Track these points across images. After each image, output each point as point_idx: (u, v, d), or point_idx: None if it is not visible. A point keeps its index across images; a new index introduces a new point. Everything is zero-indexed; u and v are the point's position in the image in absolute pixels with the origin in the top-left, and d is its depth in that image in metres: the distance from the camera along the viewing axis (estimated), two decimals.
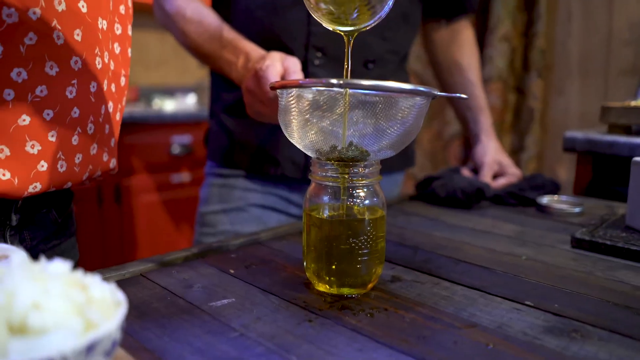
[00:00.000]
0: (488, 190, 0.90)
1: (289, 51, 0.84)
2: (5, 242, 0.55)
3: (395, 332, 0.45)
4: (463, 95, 0.49)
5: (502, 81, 1.77)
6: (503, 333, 0.45)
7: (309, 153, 0.52)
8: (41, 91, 0.50)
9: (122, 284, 0.55)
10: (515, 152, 1.82)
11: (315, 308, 0.49)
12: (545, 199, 0.89)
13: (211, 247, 0.66)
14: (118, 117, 0.64)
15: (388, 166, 0.99)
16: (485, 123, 1.02)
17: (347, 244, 0.51)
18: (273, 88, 0.50)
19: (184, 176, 2.02)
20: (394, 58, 0.94)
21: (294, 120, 0.50)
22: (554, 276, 0.58)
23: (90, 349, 0.27)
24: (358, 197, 0.51)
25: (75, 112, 0.54)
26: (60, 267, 0.31)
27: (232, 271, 0.59)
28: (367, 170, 0.51)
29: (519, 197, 0.90)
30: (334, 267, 0.51)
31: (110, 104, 0.60)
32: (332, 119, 0.50)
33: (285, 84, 0.48)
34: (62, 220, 0.65)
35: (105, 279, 0.56)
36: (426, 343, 0.43)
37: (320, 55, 0.86)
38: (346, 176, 0.50)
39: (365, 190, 0.52)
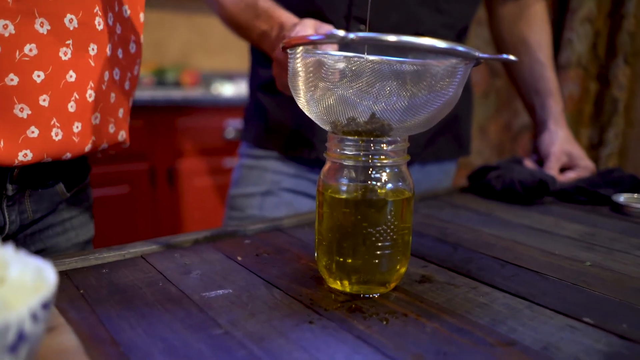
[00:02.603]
0: (553, 184, 0.78)
1: (328, 22, 0.76)
2: (2, 212, 0.52)
3: (410, 344, 0.36)
4: (512, 57, 0.39)
5: (582, 68, 1.59)
6: (549, 357, 0.35)
7: (323, 125, 0.45)
8: (30, 50, 0.46)
9: (117, 265, 0.50)
10: (594, 148, 1.64)
11: (320, 308, 0.42)
12: (622, 197, 0.76)
13: (225, 232, 0.60)
14: (127, 86, 0.59)
15: (437, 153, 0.89)
16: (554, 109, 0.89)
17: (364, 234, 0.42)
18: (284, 48, 0.43)
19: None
20: (449, 33, 0.83)
21: (302, 87, 0.42)
22: (624, 288, 0.47)
23: None
24: (380, 179, 0.43)
25: (72, 76, 0.49)
26: None
27: (239, 258, 0.52)
28: (390, 147, 0.42)
29: (590, 194, 0.77)
30: (348, 260, 0.44)
31: (117, 71, 0.56)
32: (351, 87, 0.42)
33: (293, 42, 0.41)
34: (73, 194, 0.62)
35: (103, 258, 0.51)
36: None
37: (362, 27, 0.77)
38: (366, 153, 0.42)
39: (388, 171, 0.43)
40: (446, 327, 0.39)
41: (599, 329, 0.40)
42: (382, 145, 0.42)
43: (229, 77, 2.43)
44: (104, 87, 0.54)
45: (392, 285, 0.45)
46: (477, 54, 0.39)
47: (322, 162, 0.82)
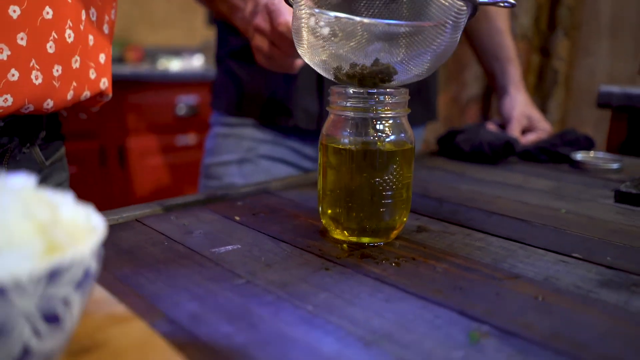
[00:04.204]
0: (517, 145, 0.82)
1: None
2: None
3: (426, 282, 0.39)
4: (510, 0, 0.42)
5: (527, 40, 1.67)
6: (552, 285, 0.38)
7: (324, 73, 0.45)
8: None
9: (114, 229, 0.49)
10: None
11: (332, 256, 0.43)
12: (579, 155, 0.81)
13: (215, 195, 0.60)
14: (107, 30, 0.57)
15: (409, 119, 0.91)
16: (514, 74, 0.94)
17: (371, 183, 0.44)
18: None
19: (190, 138, 1.95)
20: None
21: (306, 37, 0.43)
22: (601, 229, 0.52)
23: (53, 275, 0.21)
24: (383, 131, 0.45)
25: (48, 13, 0.47)
26: (22, 181, 0.25)
27: (237, 218, 0.52)
28: (393, 99, 0.44)
29: (551, 153, 0.83)
30: (353, 211, 0.45)
31: (93, 11, 0.54)
32: (351, 44, 0.43)
33: None
34: (51, 164, 0.59)
35: None
36: (464, 294, 0.37)
37: None
38: (369, 105, 0.43)
39: (391, 122, 0.45)
40: (454, 267, 0.42)
41: (587, 262, 0.43)
42: (385, 97, 0.44)
43: (176, 52, 2.36)
44: (81, 27, 0.52)
45: (396, 233, 0.47)
46: None
47: (299, 130, 0.83)
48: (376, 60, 0.43)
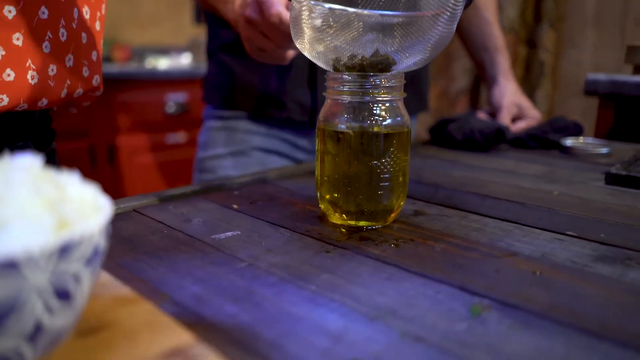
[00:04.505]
0: (508, 132, 0.84)
1: None
2: None
3: (426, 261, 0.39)
4: None
5: (514, 33, 1.69)
6: (549, 261, 0.39)
7: (324, 65, 0.46)
8: None
9: (112, 219, 0.49)
10: None
11: (332, 239, 0.44)
12: (569, 141, 0.83)
13: (212, 185, 0.60)
14: (98, 26, 0.57)
15: None
16: (503, 64, 0.95)
17: (369, 166, 0.44)
18: None
19: (180, 136, 1.94)
20: None
21: (304, 29, 0.43)
22: (593, 209, 0.53)
23: (64, 250, 0.21)
24: (379, 115, 0.45)
25: (44, 13, 0.47)
26: (29, 161, 0.25)
27: (235, 206, 0.53)
28: (389, 83, 0.44)
29: (541, 140, 0.84)
30: (351, 194, 0.45)
31: (86, 9, 0.54)
32: (347, 35, 0.43)
33: None
34: (43, 159, 0.59)
35: None
36: (464, 272, 0.37)
37: None
38: (366, 89, 0.44)
39: (387, 106, 0.45)
40: (453, 246, 0.42)
41: (582, 239, 0.44)
42: (381, 81, 0.44)
43: (163, 51, 2.35)
44: (74, 26, 0.52)
45: (393, 216, 0.48)
46: None
47: (292, 122, 0.83)
48: (376, 51, 0.43)
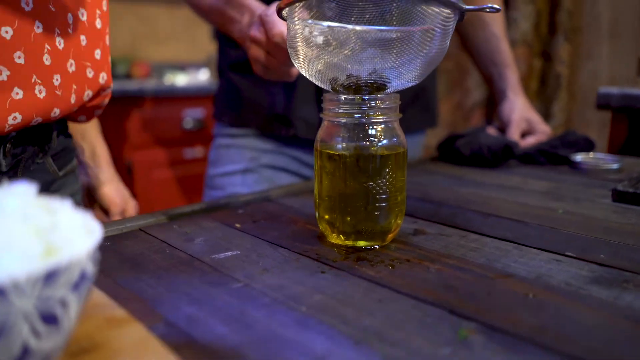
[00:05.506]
0: (516, 148, 0.83)
1: None
2: None
3: (419, 282, 0.39)
4: (496, 6, 0.43)
5: (527, 46, 1.68)
6: (543, 283, 0.39)
7: (321, 84, 0.47)
8: None
9: (118, 237, 0.50)
10: None
11: (328, 260, 0.44)
12: (579, 157, 0.82)
13: (218, 204, 0.61)
14: (99, 24, 0.57)
15: (407, 124, 0.92)
16: (511, 78, 0.95)
17: (365, 187, 0.45)
18: (280, 9, 0.45)
19: (197, 151, 1.97)
20: None
21: (301, 49, 0.44)
22: (596, 228, 0.52)
23: (50, 277, 0.22)
24: (375, 136, 0.46)
25: (39, 27, 0.49)
26: (23, 188, 0.26)
27: (238, 225, 0.54)
28: (385, 104, 0.45)
29: (551, 155, 0.84)
30: (348, 215, 0.46)
31: (82, 11, 0.54)
32: (345, 52, 0.44)
33: (290, 1, 0.42)
34: (64, 175, 0.61)
35: (103, 232, 0.51)
36: (456, 294, 0.37)
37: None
38: (362, 110, 0.44)
39: (383, 126, 0.46)
40: (448, 267, 0.42)
41: (580, 260, 0.44)
42: (376, 102, 0.45)
43: (181, 67, 2.39)
44: (70, 31, 0.53)
45: (391, 236, 0.48)
46: (463, 5, 0.43)
47: (299, 139, 0.84)
48: (372, 71, 0.44)
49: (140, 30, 2.39)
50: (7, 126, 0.47)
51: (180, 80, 2.14)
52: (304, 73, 0.47)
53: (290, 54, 0.47)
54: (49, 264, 0.22)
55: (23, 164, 0.55)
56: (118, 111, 1.76)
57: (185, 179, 1.95)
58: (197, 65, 2.40)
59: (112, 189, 0.81)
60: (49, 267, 0.22)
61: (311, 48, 0.44)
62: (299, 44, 0.44)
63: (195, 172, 1.96)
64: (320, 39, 0.44)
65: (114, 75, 2.12)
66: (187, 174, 1.96)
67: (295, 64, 0.47)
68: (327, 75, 0.45)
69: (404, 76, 0.46)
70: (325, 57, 0.44)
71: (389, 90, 0.46)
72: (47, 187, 0.59)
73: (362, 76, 0.44)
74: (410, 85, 0.47)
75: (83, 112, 0.61)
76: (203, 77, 2.27)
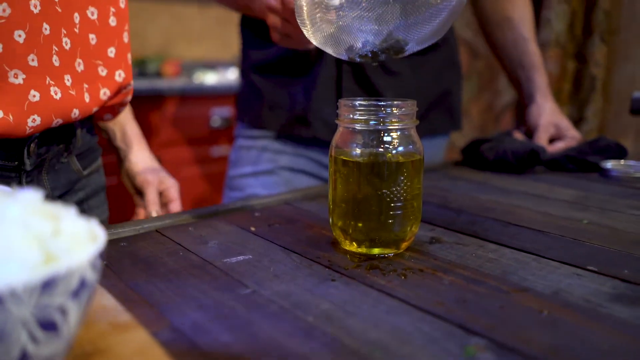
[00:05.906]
0: (543, 153, 0.81)
1: None
2: (21, 187, 0.52)
3: (430, 294, 0.38)
4: None
5: (560, 47, 1.63)
6: (561, 299, 0.38)
7: (337, 54, 0.46)
8: (3, 10, 0.45)
9: (134, 238, 0.51)
10: (574, 125, 1.69)
11: (340, 267, 0.44)
12: (609, 164, 0.79)
13: (235, 206, 0.61)
14: (114, 22, 0.57)
15: (430, 127, 0.91)
16: (540, 82, 0.92)
17: (378, 195, 0.44)
18: None
19: (224, 149, 1.99)
20: None
21: (315, 14, 0.44)
22: (622, 241, 0.50)
23: (47, 285, 0.22)
24: (391, 142, 0.45)
25: (47, 29, 0.49)
26: (29, 195, 0.27)
27: (252, 229, 0.54)
28: (401, 111, 0.44)
29: (580, 162, 0.81)
30: (362, 222, 0.45)
31: (92, 10, 0.54)
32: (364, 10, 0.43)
33: None
34: (88, 174, 0.62)
35: (119, 233, 0.52)
36: (467, 308, 0.36)
37: None
38: (377, 117, 0.44)
39: (399, 134, 0.45)
40: (462, 279, 0.41)
41: (602, 275, 0.42)
42: (392, 109, 0.44)
43: (211, 66, 2.42)
44: (76, 31, 0.53)
45: (406, 244, 0.47)
46: None
47: (319, 140, 0.84)
48: (387, 36, 0.43)
49: (173, 29, 2.43)
50: (27, 128, 0.48)
51: (210, 78, 2.16)
52: (312, 40, 0.46)
53: (298, 22, 0.46)
54: (47, 272, 0.22)
55: (47, 163, 0.56)
56: (147, 109, 1.79)
57: (212, 177, 1.97)
58: (226, 64, 2.42)
59: (146, 169, 0.75)
60: (47, 275, 0.22)
61: (323, 11, 0.44)
62: (305, 9, 0.44)
63: (221, 170, 1.97)
64: (336, 1, 0.43)
65: (145, 74, 2.16)
66: (213, 171, 1.97)
67: (304, 32, 0.46)
68: (343, 45, 0.44)
69: (420, 35, 0.44)
70: (340, 21, 0.43)
71: (407, 52, 0.45)
72: (72, 186, 0.60)
73: (377, 42, 0.43)
74: (428, 44, 0.45)
75: (106, 110, 0.62)
76: (232, 75, 2.29)
